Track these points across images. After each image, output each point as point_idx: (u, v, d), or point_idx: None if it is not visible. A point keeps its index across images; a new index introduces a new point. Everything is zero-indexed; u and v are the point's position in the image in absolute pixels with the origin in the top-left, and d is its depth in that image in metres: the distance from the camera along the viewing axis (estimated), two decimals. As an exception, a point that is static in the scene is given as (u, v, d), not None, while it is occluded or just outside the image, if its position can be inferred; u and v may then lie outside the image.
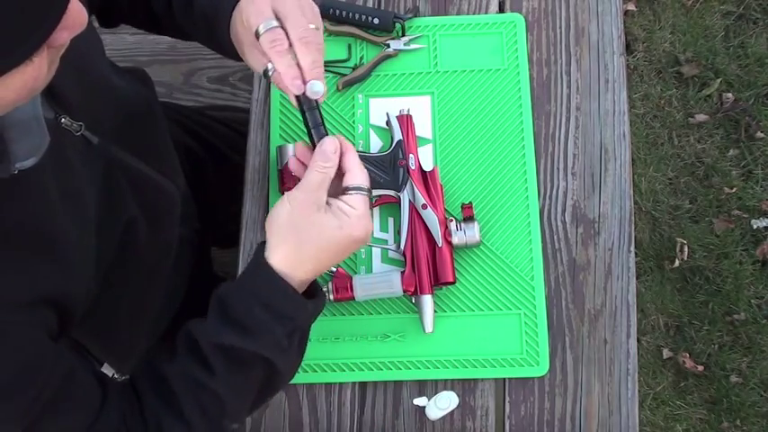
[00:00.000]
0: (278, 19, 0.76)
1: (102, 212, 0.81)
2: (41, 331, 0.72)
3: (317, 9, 0.80)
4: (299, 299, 0.76)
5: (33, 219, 0.71)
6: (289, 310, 0.76)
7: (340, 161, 0.78)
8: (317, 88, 0.77)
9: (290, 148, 0.98)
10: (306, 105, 0.79)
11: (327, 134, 0.79)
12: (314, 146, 0.79)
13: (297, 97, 0.78)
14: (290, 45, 0.76)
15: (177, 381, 0.76)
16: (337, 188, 0.78)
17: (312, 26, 0.77)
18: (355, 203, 0.76)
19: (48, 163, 0.68)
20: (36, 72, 0.58)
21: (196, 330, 0.76)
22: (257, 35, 0.76)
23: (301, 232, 0.75)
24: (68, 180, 0.76)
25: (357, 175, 0.77)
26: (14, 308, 0.69)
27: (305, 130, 0.81)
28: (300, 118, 0.81)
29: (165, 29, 0.96)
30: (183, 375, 0.76)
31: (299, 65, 0.76)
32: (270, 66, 0.77)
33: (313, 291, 0.80)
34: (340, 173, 0.78)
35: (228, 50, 0.85)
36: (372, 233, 0.89)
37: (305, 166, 0.79)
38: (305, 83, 0.76)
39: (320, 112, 0.80)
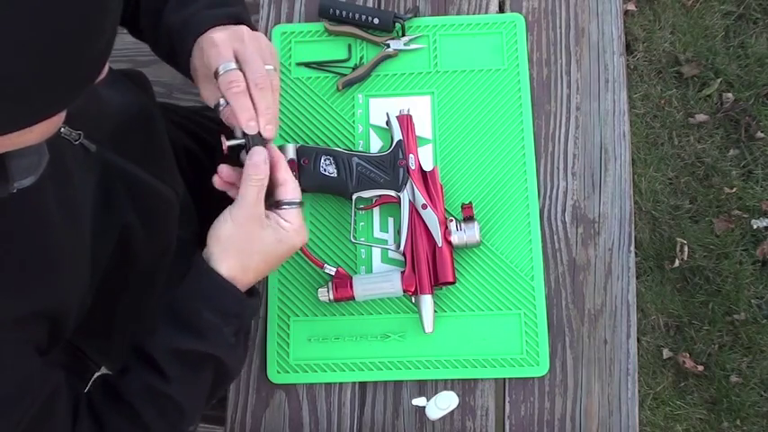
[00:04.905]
0: (237, 61, 0.81)
1: (99, 220, 0.81)
2: (31, 349, 0.73)
3: (275, 50, 0.85)
4: (244, 299, 0.80)
5: (29, 233, 0.71)
6: (236, 309, 0.80)
7: (272, 174, 0.81)
8: (270, 134, 0.82)
9: (290, 147, 0.98)
10: (255, 143, 0.82)
11: None
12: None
13: (230, 145, 0.83)
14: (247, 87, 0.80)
15: (133, 393, 0.78)
16: (269, 198, 0.82)
17: (270, 67, 0.81)
18: (291, 218, 0.81)
19: (47, 174, 0.68)
20: (60, 117, 0.60)
21: (145, 342, 0.79)
22: (216, 75, 0.81)
23: (245, 246, 0.79)
24: (66, 190, 0.76)
25: (290, 189, 0.81)
26: (7, 325, 0.69)
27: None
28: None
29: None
30: (138, 386, 0.79)
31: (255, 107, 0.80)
32: (222, 101, 0.83)
33: (250, 290, 0.84)
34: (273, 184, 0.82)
35: (185, 72, 0.88)
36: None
37: (232, 185, 0.85)
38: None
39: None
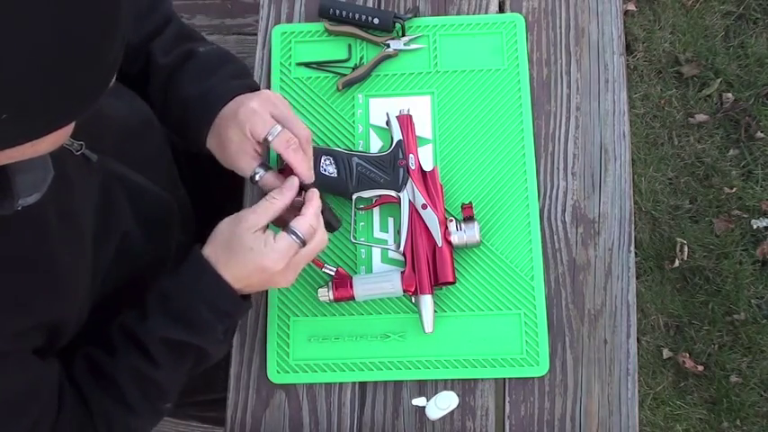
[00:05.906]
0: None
1: (99, 228, 0.81)
2: (30, 355, 0.74)
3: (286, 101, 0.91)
4: (239, 300, 0.83)
5: (31, 250, 0.71)
6: (230, 309, 0.83)
7: (303, 207, 0.85)
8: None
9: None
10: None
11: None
12: None
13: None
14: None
15: (120, 374, 0.81)
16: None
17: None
18: (278, 239, 0.81)
19: (49, 188, 0.68)
20: (71, 126, 0.60)
21: (136, 327, 0.81)
22: (266, 142, 0.86)
23: (232, 244, 0.81)
24: (67, 202, 0.76)
25: (300, 221, 0.83)
26: (7, 338, 0.69)
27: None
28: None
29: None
30: (126, 368, 0.81)
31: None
32: (260, 171, 0.88)
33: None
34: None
35: (194, 141, 0.92)
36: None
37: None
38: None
39: None
